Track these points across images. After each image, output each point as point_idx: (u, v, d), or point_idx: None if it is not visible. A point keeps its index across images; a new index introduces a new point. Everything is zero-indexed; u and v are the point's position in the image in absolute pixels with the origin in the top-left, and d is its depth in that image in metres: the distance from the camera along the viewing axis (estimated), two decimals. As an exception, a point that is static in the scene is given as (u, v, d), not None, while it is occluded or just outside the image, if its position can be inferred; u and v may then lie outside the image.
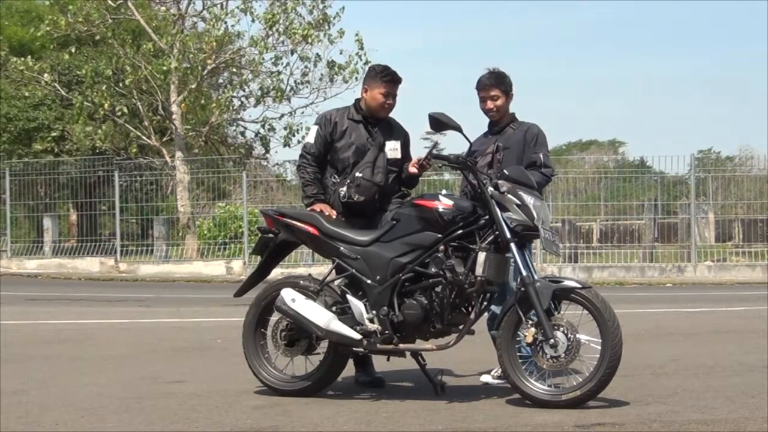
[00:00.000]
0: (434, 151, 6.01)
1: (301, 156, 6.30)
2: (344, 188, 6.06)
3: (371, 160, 6.09)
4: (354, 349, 5.82)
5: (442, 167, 17.55)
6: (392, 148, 6.18)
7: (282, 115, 25.38)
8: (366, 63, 22.50)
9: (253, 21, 23.53)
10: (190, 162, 23.50)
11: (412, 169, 6.13)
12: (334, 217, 6.04)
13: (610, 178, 23.35)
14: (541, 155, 6.29)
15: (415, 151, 6.38)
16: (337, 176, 6.18)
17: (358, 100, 6.29)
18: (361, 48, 23.58)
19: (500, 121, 6.41)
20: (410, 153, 6.36)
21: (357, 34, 23.53)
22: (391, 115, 6.32)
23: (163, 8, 25.05)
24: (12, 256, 23.73)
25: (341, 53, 24.09)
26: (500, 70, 6.44)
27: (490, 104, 6.38)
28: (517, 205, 5.52)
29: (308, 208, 6.13)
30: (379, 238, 5.82)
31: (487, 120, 6.50)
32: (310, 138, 6.24)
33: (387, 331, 5.67)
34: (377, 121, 6.22)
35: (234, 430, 4.99)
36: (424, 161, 6.05)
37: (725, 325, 10.26)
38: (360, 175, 6.04)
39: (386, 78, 6.15)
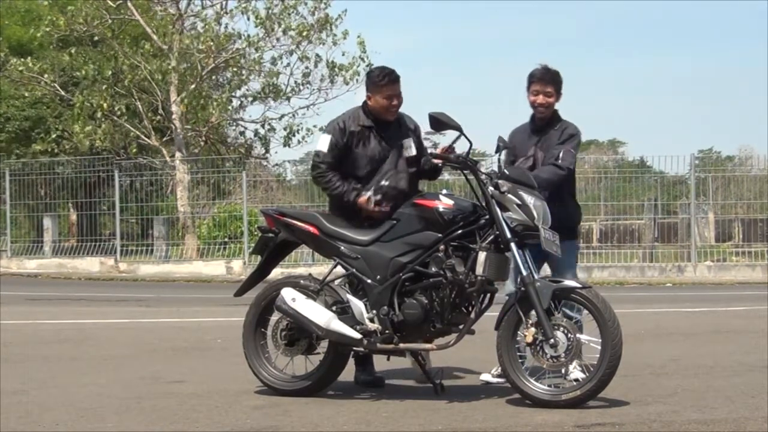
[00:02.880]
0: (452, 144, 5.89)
1: (314, 166, 6.13)
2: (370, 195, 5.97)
3: (393, 166, 6.03)
4: (354, 348, 5.82)
5: (442, 167, 17.47)
6: (407, 147, 6.12)
7: (282, 116, 25.43)
8: (368, 65, 22.50)
9: (248, 19, 23.59)
10: (190, 162, 23.49)
11: (436, 161, 6.05)
12: (384, 208, 5.94)
13: (610, 178, 23.31)
14: (561, 151, 6.15)
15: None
16: (357, 184, 6.05)
17: (365, 103, 6.17)
18: (364, 51, 23.63)
19: (544, 119, 6.28)
20: (424, 144, 6.31)
21: (359, 36, 23.58)
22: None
23: (161, 9, 24.99)
24: (12, 256, 23.71)
25: (343, 55, 24.15)
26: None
27: (542, 99, 6.22)
28: (518, 205, 5.52)
29: (358, 201, 5.97)
30: (380, 237, 5.82)
31: (529, 112, 6.32)
32: (323, 147, 6.07)
33: (387, 331, 5.67)
34: (388, 123, 6.16)
35: (234, 430, 4.99)
36: (446, 151, 5.91)
37: (725, 325, 10.25)
38: (386, 183, 5.97)
39: (384, 82, 6.05)
